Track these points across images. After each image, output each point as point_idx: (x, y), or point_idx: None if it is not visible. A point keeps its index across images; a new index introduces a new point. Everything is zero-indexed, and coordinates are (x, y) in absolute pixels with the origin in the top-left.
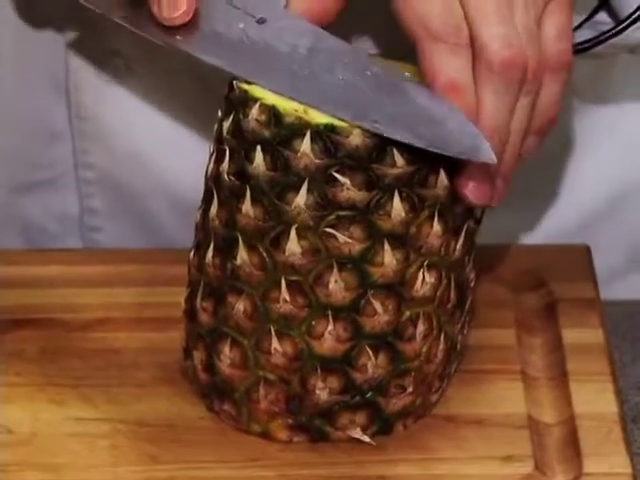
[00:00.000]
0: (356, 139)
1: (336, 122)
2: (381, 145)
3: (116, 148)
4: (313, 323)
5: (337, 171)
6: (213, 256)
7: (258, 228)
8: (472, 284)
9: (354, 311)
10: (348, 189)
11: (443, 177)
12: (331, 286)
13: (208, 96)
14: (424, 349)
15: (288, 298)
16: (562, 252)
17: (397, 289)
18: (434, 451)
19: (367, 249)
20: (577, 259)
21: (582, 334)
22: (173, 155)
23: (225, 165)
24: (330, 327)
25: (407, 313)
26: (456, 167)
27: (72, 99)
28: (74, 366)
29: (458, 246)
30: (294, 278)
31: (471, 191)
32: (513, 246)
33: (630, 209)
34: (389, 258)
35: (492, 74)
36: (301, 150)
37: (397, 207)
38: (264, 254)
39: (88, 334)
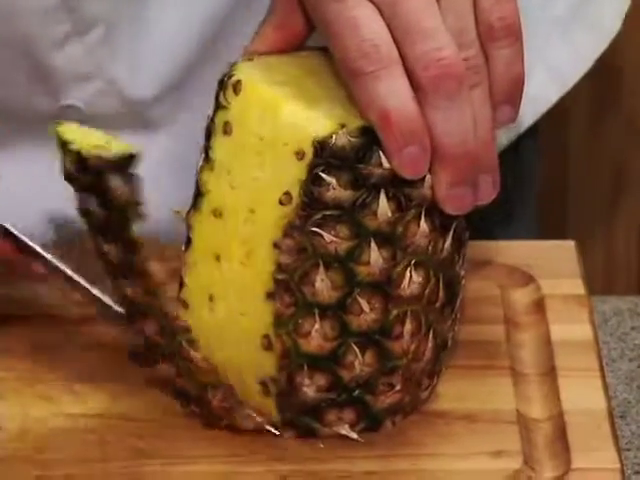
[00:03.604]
0: (342, 139)
1: None
2: (367, 145)
3: None
4: (300, 321)
5: (323, 171)
6: None
7: None
8: (462, 282)
9: (341, 309)
10: (334, 188)
11: (429, 176)
12: (317, 285)
13: None
14: (412, 347)
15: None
16: (550, 249)
17: (384, 288)
18: (424, 447)
19: (354, 248)
20: (565, 255)
21: (570, 330)
22: None
23: None
24: (317, 325)
25: (394, 312)
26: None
27: None
28: (63, 362)
29: (446, 245)
30: (280, 277)
31: (449, 203)
32: (501, 243)
33: None
34: (375, 257)
35: (427, 95)
36: None
37: (383, 206)
38: None
39: (77, 330)
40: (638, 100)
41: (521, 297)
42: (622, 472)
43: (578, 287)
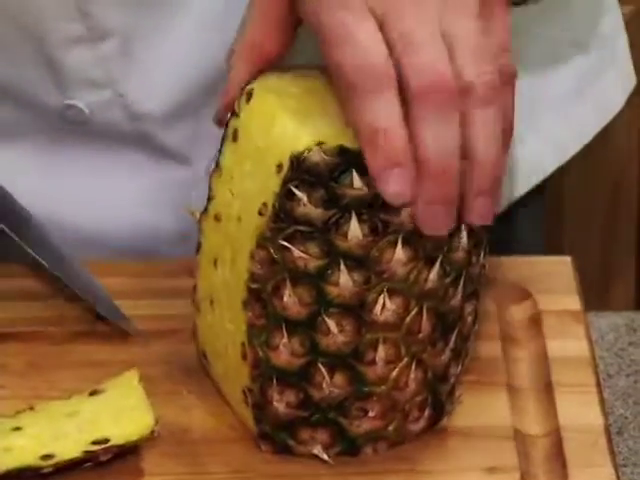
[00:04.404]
0: (315, 156)
1: None
2: (343, 165)
3: None
4: (270, 334)
5: (296, 186)
6: None
7: None
8: (468, 319)
9: (310, 327)
10: (304, 205)
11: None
12: (285, 299)
13: None
14: (393, 375)
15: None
16: (546, 264)
17: (356, 311)
18: (419, 462)
19: (324, 267)
20: (561, 271)
21: (567, 346)
22: None
23: None
24: (284, 340)
25: (368, 336)
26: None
27: None
28: (60, 378)
29: (431, 276)
30: (254, 286)
31: (423, 221)
32: (497, 258)
33: None
34: (345, 278)
35: (415, 105)
36: None
37: (354, 228)
38: None
39: (74, 346)
40: (637, 114)
41: (517, 313)
42: None
43: (574, 303)
